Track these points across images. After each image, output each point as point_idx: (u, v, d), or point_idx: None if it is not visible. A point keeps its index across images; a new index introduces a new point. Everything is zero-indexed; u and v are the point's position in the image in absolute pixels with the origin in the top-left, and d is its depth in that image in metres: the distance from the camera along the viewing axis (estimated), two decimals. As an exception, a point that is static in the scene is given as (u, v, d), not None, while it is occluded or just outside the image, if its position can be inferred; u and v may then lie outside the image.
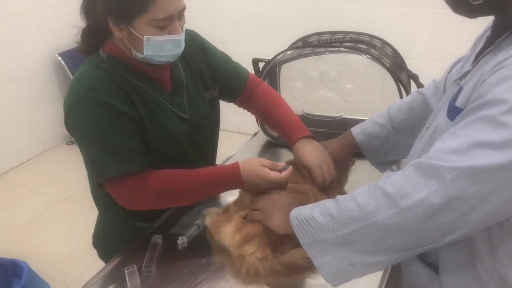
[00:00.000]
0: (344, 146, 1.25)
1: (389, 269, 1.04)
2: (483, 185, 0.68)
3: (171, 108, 1.20)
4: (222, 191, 1.22)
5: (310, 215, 0.86)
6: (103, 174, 1.11)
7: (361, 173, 1.35)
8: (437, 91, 1.14)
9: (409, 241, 0.77)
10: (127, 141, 1.10)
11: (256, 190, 1.13)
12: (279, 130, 1.39)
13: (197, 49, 1.31)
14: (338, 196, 0.86)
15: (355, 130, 1.24)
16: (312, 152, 1.23)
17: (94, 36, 1.15)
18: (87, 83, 1.10)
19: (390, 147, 1.21)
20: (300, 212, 0.89)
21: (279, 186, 1.11)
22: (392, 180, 0.77)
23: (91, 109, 1.07)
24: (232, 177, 1.13)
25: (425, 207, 0.72)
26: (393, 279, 1.05)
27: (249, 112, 1.48)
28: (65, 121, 1.13)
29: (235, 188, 1.16)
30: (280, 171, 1.12)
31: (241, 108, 1.48)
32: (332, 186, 1.22)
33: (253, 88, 1.42)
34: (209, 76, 1.33)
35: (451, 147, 0.72)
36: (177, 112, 1.21)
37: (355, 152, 1.26)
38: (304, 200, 1.09)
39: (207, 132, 1.33)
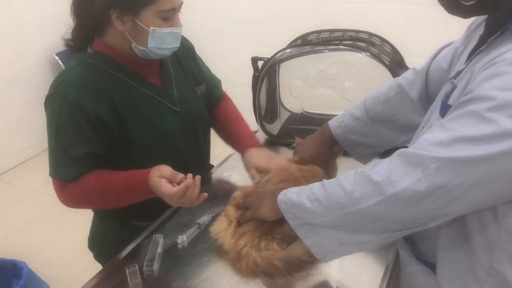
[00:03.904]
0: (322, 140, 1.25)
1: (390, 270, 1.04)
2: (467, 176, 0.70)
3: (161, 100, 1.21)
4: (139, 199, 1.15)
5: (298, 200, 0.89)
6: (50, 170, 1.16)
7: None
8: (417, 79, 1.13)
9: (395, 225, 0.80)
10: (75, 148, 1.12)
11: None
12: (231, 138, 1.42)
13: (186, 49, 1.35)
14: (325, 181, 0.88)
15: (332, 124, 1.23)
16: (266, 155, 1.30)
17: (86, 33, 1.16)
18: (66, 79, 1.12)
19: (368, 140, 1.20)
20: (288, 197, 0.92)
21: (171, 198, 1.05)
22: (379, 169, 0.80)
23: (59, 107, 1.10)
24: (141, 186, 1.09)
25: (410, 194, 0.75)
26: (392, 280, 1.06)
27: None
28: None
29: (150, 197, 1.11)
30: (178, 183, 1.06)
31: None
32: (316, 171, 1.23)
33: (222, 103, 1.49)
34: (198, 74, 1.36)
35: (438, 139, 0.74)
36: (168, 105, 1.22)
37: (333, 145, 1.25)
38: (292, 185, 1.09)
39: (199, 128, 1.34)
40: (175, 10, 1.11)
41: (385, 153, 1.26)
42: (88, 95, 1.10)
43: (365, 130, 1.19)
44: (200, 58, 1.43)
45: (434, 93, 1.08)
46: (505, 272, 0.83)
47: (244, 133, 1.40)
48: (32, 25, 3.30)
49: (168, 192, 1.04)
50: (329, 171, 1.28)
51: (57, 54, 3.41)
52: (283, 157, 1.28)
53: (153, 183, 1.06)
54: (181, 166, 1.13)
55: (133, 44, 1.12)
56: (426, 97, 1.12)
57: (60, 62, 3.41)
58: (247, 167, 1.31)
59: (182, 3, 1.13)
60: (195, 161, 1.35)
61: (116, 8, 1.06)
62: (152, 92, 1.20)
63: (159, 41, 1.11)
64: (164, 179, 1.05)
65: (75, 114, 1.09)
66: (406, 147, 1.25)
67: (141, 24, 1.08)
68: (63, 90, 1.10)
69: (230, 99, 1.53)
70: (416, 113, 1.13)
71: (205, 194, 1.09)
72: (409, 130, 1.16)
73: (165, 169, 1.07)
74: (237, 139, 1.39)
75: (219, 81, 1.50)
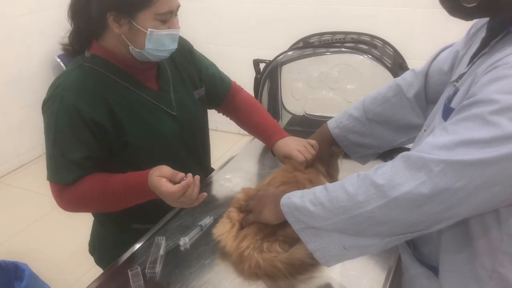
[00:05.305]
0: (320, 140, 1.27)
1: (392, 273, 1.04)
2: (470, 179, 0.70)
3: (159, 104, 1.21)
4: (138, 201, 1.14)
5: (301, 204, 0.89)
6: (48, 175, 1.16)
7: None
8: (416, 81, 1.13)
9: (399, 228, 0.80)
10: (73, 151, 1.11)
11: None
12: (257, 133, 1.44)
13: (184, 52, 1.35)
14: (328, 184, 0.88)
15: (331, 124, 1.24)
16: (288, 143, 1.31)
17: (83, 37, 1.17)
18: (64, 83, 1.13)
19: (367, 140, 1.20)
20: (291, 201, 0.92)
21: (171, 197, 1.05)
22: (382, 172, 0.79)
23: (57, 110, 1.11)
24: (141, 186, 1.09)
25: (413, 197, 0.74)
26: (395, 283, 1.05)
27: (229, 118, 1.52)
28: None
29: (149, 199, 1.11)
30: (178, 182, 1.05)
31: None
32: (318, 172, 1.24)
33: (235, 94, 1.47)
34: (197, 76, 1.36)
35: (441, 143, 0.74)
36: (165, 109, 1.23)
37: (332, 144, 1.26)
38: (294, 188, 1.10)
39: (196, 132, 1.34)
40: (172, 12, 1.11)
41: (385, 154, 1.27)
42: (85, 99, 1.11)
43: (364, 131, 1.19)
44: (200, 54, 1.41)
45: (434, 95, 1.09)
46: (508, 275, 0.82)
47: (268, 125, 1.42)
48: (34, 28, 3.31)
49: (168, 190, 1.03)
50: (330, 172, 1.28)
51: (59, 56, 3.41)
52: (302, 141, 1.30)
53: (153, 182, 1.06)
54: (180, 169, 1.14)
55: (130, 47, 1.12)
56: (425, 99, 1.12)
57: (62, 64, 3.41)
58: (279, 159, 1.34)
59: (179, 5, 1.13)
60: (194, 164, 1.35)
61: (112, 12, 1.07)
62: (149, 96, 1.20)
63: (157, 43, 1.11)
64: (164, 178, 1.05)
65: (73, 118, 1.10)
66: (405, 148, 1.26)
67: (138, 27, 1.08)
68: (61, 94, 1.10)
69: (240, 90, 1.50)
70: (415, 114, 1.13)
71: (205, 194, 1.09)
72: (408, 131, 1.16)
73: (165, 169, 1.08)
74: (262, 133, 1.42)
75: (225, 76, 1.48)
